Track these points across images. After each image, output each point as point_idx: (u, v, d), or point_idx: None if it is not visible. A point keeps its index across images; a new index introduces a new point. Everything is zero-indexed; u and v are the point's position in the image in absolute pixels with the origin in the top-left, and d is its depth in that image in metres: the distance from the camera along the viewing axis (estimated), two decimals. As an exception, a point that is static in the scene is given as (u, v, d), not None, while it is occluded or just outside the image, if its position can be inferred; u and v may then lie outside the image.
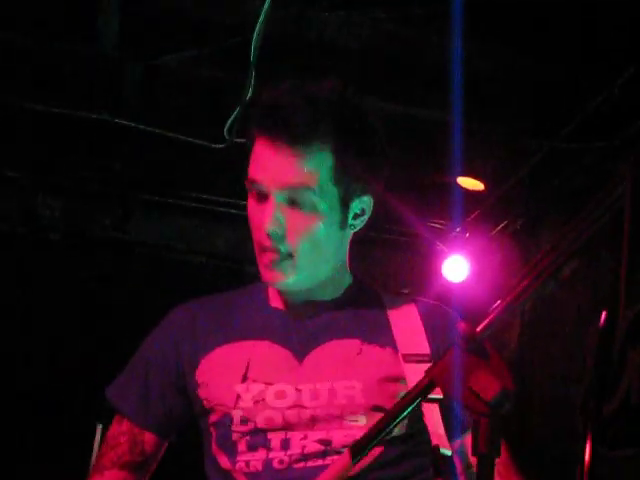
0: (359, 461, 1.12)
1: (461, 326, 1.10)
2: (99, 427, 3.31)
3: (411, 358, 1.52)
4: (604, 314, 1.04)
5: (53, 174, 4.21)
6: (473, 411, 1.09)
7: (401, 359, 1.54)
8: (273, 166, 1.53)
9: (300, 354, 1.58)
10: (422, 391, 1.11)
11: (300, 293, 1.62)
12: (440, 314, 1.66)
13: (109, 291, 4.34)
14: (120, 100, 3.59)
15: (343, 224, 1.59)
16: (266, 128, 1.54)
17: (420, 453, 1.49)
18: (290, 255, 1.54)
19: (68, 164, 4.12)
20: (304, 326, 1.61)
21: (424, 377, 1.12)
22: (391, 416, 1.13)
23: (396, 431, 1.44)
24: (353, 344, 1.58)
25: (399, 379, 1.53)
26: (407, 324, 1.60)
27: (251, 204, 1.58)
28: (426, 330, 1.60)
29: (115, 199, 4.34)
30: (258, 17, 2.67)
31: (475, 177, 3.78)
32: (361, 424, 1.50)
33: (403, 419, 1.17)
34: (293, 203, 1.53)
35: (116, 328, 4.06)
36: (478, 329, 1.11)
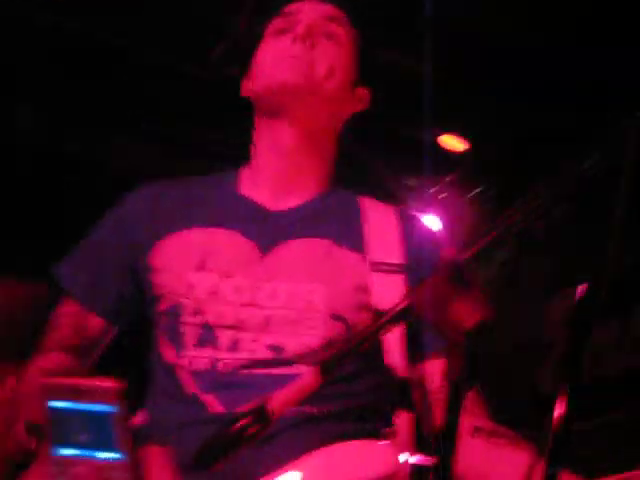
0: (328, 381, 1.07)
1: (445, 252, 1.08)
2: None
3: (380, 267, 1.45)
4: (583, 287, 1.01)
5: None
6: (450, 339, 1.07)
7: (369, 267, 1.45)
8: (310, 4, 1.59)
9: (264, 248, 1.49)
10: (400, 315, 1.08)
11: (280, 179, 1.56)
12: (420, 226, 1.60)
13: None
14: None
15: (352, 94, 1.60)
16: None
17: (374, 370, 1.39)
18: (310, 62, 1.53)
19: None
20: (273, 218, 1.53)
21: (403, 300, 1.09)
22: (364, 336, 1.10)
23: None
24: (322, 244, 1.49)
25: (364, 289, 1.44)
26: (383, 230, 1.52)
27: (269, 43, 1.58)
28: (402, 239, 1.51)
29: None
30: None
31: (459, 137, 3.75)
32: (317, 332, 1.40)
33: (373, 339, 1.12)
34: (329, 35, 1.56)
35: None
36: (462, 257, 1.08)
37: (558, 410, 0.98)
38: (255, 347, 1.41)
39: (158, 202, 1.57)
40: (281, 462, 1.26)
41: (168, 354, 1.47)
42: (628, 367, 3.49)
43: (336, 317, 1.42)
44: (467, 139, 3.82)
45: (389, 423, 1.28)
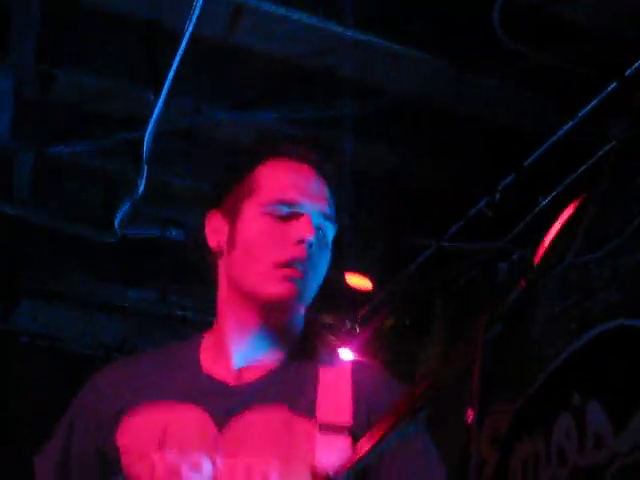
0: None
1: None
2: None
3: (328, 428, 1.47)
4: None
5: None
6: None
7: (317, 428, 1.47)
8: (311, 188, 1.57)
9: (222, 422, 1.50)
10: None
11: (244, 357, 1.57)
12: (370, 383, 1.58)
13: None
14: (10, 189, 3.55)
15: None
16: (293, 152, 1.60)
17: None
18: (309, 279, 1.54)
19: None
20: (232, 392, 1.54)
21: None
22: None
23: None
24: (278, 413, 1.50)
25: (311, 453, 1.46)
26: (335, 389, 1.53)
27: (268, 224, 1.54)
28: (354, 398, 1.52)
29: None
30: (152, 111, 2.72)
31: (363, 274, 3.86)
32: None
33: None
34: (324, 235, 1.57)
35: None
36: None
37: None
38: None
39: (120, 381, 1.59)
40: None
41: None
42: None
43: None
44: (371, 277, 3.94)
45: None
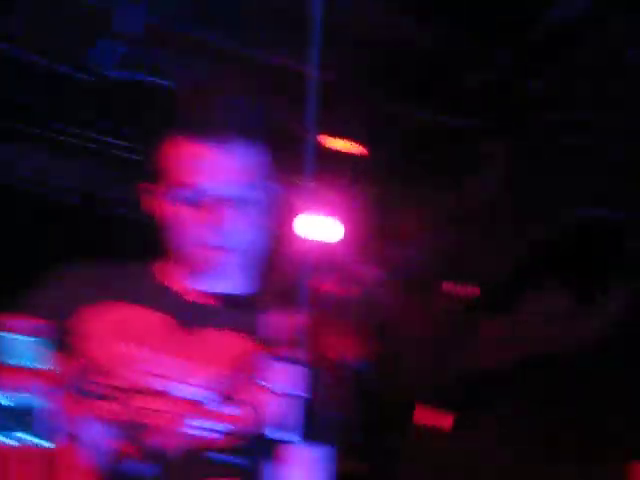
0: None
1: (315, 286, 1.10)
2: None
3: (274, 353, 1.56)
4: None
5: None
6: (327, 373, 1.08)
7: (266, 353, 1.56)
8: (211, 166, 1.58)
9: (181, 328, 1.61)
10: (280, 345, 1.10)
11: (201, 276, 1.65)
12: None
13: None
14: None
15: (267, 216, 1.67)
16: (200, 131, 1.58)
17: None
18: (233, 251, 1.60)
19: None
20: (192, 305, 1.65)
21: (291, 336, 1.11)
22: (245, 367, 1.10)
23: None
24: (236, 336, 1.61)
25: (262, 374, 1.56)
26: (279, 321, 1.62)
27: (178, 212, 1.59)
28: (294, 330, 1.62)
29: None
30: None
31: (342, 137, 3.78)
32: (214, 411, 1.55)
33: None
34: (238, 201, 1.59)
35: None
36: (331, 291, 1.10)
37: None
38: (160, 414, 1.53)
39: (86, 279, 1.65)
40: None
41: (75, 409, 1.55)
42: (515, 358, 3.61)
43: (235, 400, 1.56)
44: (356, 140, 3.86)
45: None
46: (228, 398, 1.57)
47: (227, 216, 1.58)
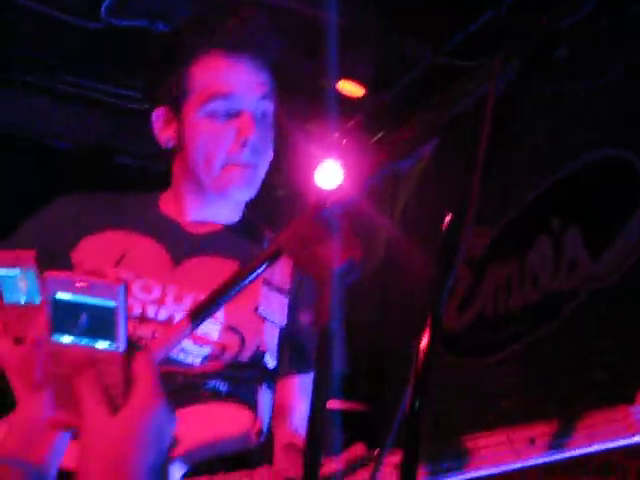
0: (198, 326, 1.11)
1: (313, 196, 1.10)
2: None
3: (270, 285, 1.60)
4: (449, 216, 1.03)
5: None
6: (318, 280, 1.08)
7: (261, 283, 1.61)
8: (246, 78, 1.62)
9: (177, 259, 1.64)
10: (268, 258, 1.10)
11: (200, 210, 1.70)
12: None
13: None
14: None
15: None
16: (224, 43, 1.61)
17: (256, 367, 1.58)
18: (257, 167, 1.65)
19: None
20: (188, 237, 1.68)
21: (271, 245, 1.11)
22: (233, 282, 1.11)
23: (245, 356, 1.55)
24: (228, 264, 1.64)
25: (257, 304, 1.60)
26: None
27: (209, 127, 1.61)
28: (293, 269, 1.66)
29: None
30: None
31: (357, 82, 3.74)
32: (213, 339, 1.57)
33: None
34: (264, 116, 1.64)
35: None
36: (328, 201, 1.11)
37: (424, 340, 0.99)
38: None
39: (80, 210, 1.68)
40: None
41: None
42: (525, 303, 3.60)
43: (232, 328, 1.59)
44: (365, 85, 3.81)
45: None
46: (219, 324, 1.58)
47: (257, 131, 1.62)
